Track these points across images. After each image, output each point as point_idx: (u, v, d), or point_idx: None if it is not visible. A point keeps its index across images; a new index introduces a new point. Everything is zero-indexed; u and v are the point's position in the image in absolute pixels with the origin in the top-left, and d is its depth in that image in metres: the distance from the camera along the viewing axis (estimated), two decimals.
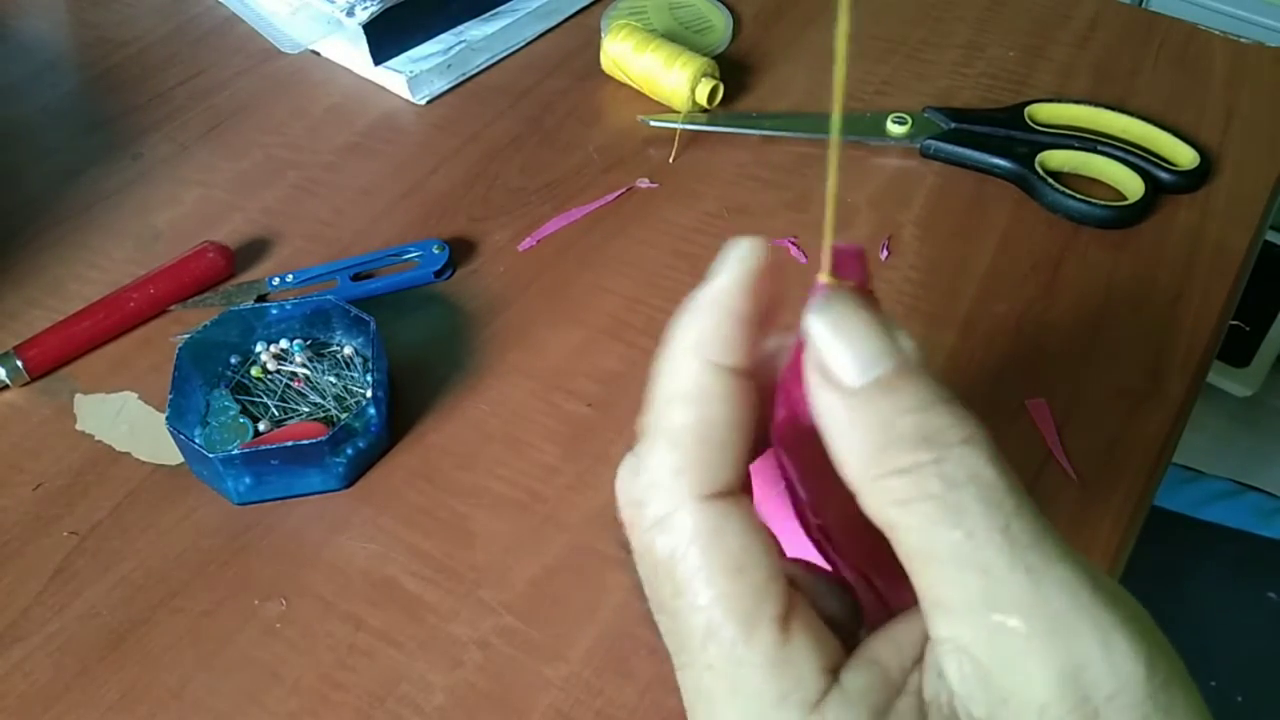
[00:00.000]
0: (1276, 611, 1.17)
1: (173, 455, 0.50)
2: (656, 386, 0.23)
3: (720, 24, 0.73)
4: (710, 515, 0.21)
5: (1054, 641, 0.19)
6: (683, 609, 0.22)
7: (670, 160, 0.63)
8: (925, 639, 0.21)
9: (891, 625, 0.22)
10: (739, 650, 0.21)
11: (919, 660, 0.21)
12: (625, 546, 0.25)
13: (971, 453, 0.20)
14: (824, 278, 0.22)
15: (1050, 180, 0.59)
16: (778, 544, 0.22)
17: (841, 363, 0.21)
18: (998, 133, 0.63)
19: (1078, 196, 0.59)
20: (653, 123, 0.64)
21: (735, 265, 0.22)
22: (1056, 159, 0.61)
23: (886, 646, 0.22)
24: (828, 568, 0.25)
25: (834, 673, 0.21)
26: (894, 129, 0.63)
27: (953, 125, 0.63)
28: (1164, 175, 0.60)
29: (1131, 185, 0.60)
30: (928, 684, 0.21)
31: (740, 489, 0.22)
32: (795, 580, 0.23)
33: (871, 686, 0.21)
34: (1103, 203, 0.59)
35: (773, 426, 0.24)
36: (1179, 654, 0.21)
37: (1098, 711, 0.19)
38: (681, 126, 0.64)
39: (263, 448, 0.46)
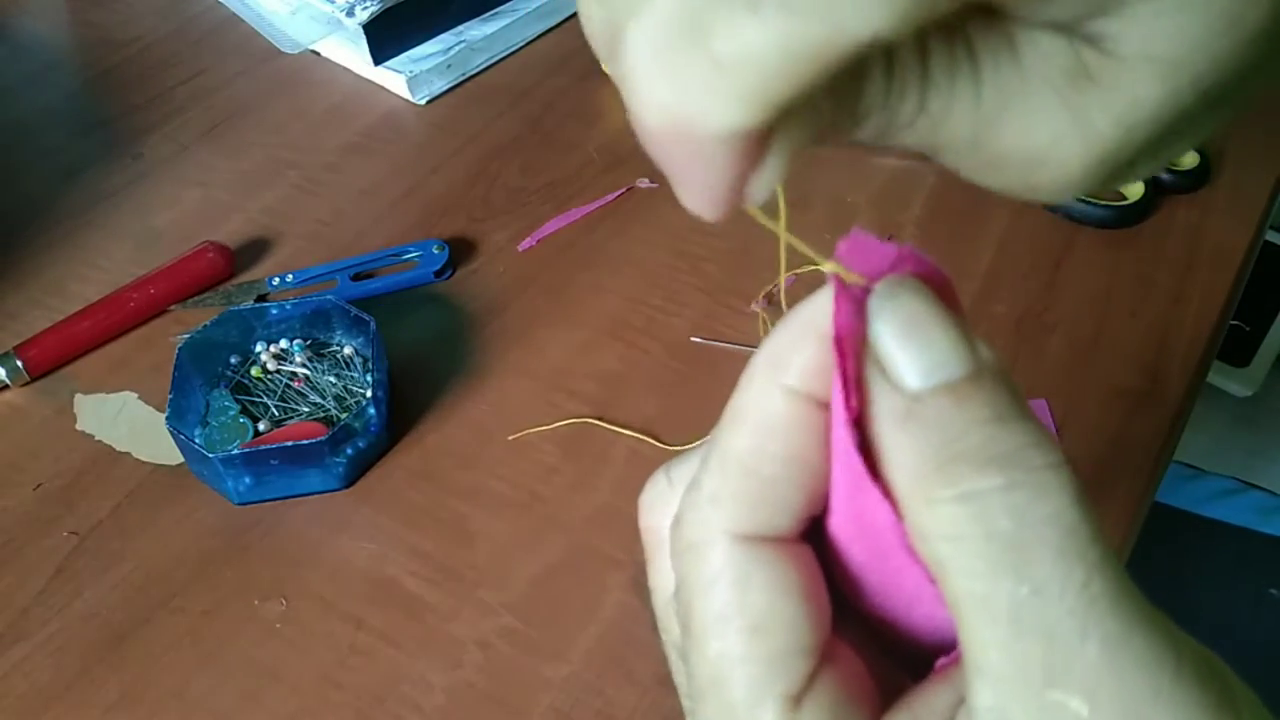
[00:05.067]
0: (1278, 608, 1.17)
1: (173, 455, 0.50)
2: (732, 399, 0.20)
3: None
4: (740, 559, 0.19)
5: None
6: (691, 651, 0.19)
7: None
8: (957, 705, 0.18)
9: (914, 693, 0.19)
10: (738, 718, 0.19)
11: None
12: (641, 568, 0.23)
13: (1054, 482, 0.17)
14: (831, 268, 0.19)
15: None
16: (828, 608, 0.19)
17: (903, 360, 0.18)
18: None
19: (1078, 196, 0.59)
20: None
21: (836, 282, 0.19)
22: None
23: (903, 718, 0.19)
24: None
25: None
26: None
27: None
28: (1164, 175, 0.60)
29: (1132, 185, 0.60)
30: None
31: (794, 535, 0.19)
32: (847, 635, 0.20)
33: None
34: (1103, 203, 0.59)
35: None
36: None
37: None
38: None
39: (263, 448, 0.46)
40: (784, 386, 0.19)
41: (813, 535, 0.20)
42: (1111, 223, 0.59)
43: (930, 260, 0.19)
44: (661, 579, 0.22)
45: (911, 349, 0.18)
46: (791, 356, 0.19)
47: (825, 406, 0.19)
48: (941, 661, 0.19)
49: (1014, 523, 0.16)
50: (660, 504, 0.22)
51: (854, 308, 0.19)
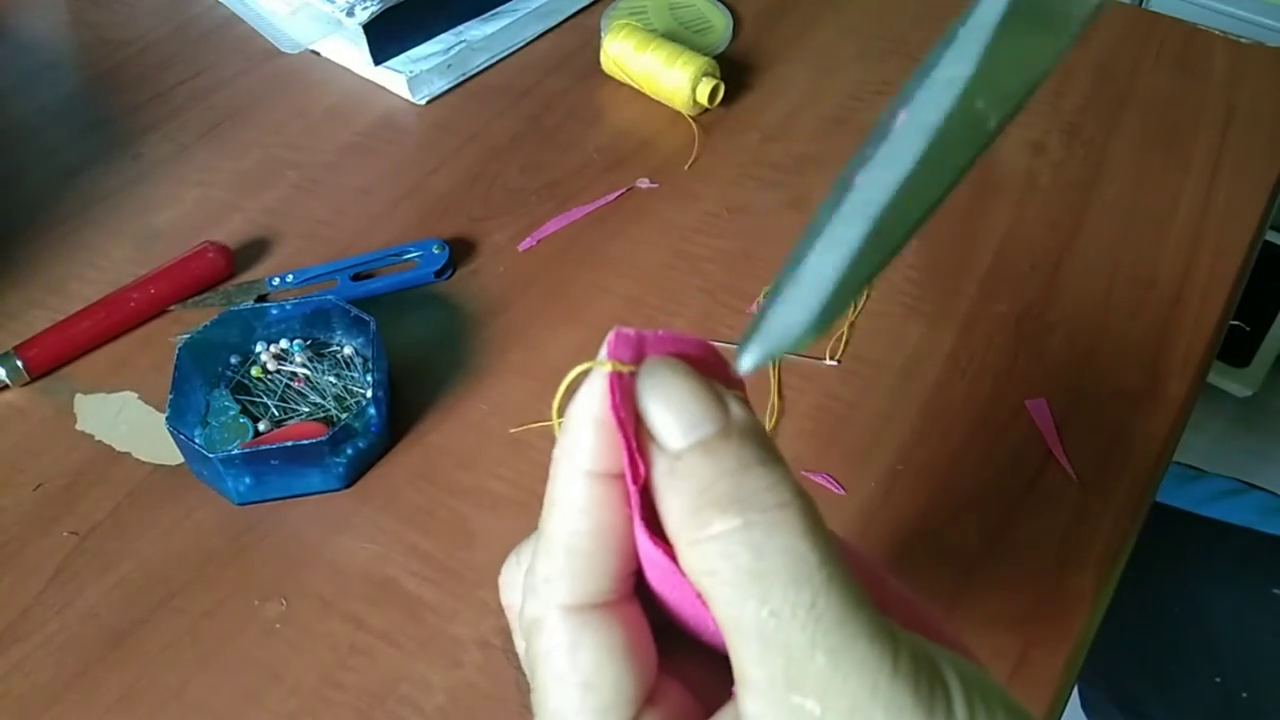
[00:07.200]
0: None
1: (173, 455, 0.50)
2: (547, 490, 0.23)
3: (720, 24, 0.73)
4: (570, 628, 0.22)
5: None
6: (537, 708, 0.23)
7: (686, 168, 0.63)
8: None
9: (713, 717, 0.22)
10: None
11: None
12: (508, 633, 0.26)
13: (785, 519, 0.20)
14: (603, 365, 0.22)
15: None
16: (652, 656, 0.22)
17: (664, 426, 0.21)
18: None
19: None
20: None
21: (598, 373, 0.22)
22: None
23: None
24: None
25: None
26: None
27: None
28: None
29: None
30: None
31: (617, 596, 0.23)
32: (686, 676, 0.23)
33: None
34: None
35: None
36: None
37: None
38: None
39: (263, 448, 0.46)
40: (581, 471, 0.22)
41: (640, 586, 0.23)
42: None
43: (687, 337, 0.23)
44: (521, 644, 0.26)
45: (670, 416, 0.21)
46: (581, 444, 0.22)
47: (620, 478, 0.22)
48: (736, 686, 0.22)
49: (752, 556, 0.20)
50: (514, 584, 0.26)
51: (625, 392, 0.22)
